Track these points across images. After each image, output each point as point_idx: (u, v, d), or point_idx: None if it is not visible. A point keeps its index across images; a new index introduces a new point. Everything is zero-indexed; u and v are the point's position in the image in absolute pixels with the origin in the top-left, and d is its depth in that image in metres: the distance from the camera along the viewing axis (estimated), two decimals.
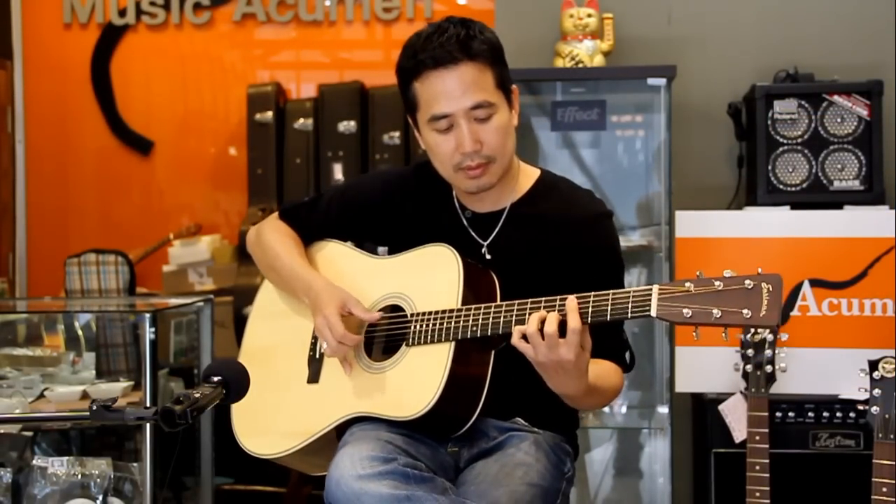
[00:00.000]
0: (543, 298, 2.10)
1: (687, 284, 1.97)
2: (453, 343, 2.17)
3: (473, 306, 2.18)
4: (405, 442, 2.19)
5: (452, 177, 2.30)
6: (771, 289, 1.92)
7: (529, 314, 2.08)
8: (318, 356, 2.38)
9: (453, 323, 2.18)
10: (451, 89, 2.21)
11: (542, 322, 2.03)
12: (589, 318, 2.04)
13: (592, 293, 2.05)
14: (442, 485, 2.12)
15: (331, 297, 2.31)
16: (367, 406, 2.25)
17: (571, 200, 2.36)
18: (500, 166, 2.28)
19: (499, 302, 2.20)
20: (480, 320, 2.16)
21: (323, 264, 2.48)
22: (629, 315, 2.01)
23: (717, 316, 1.93)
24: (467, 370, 2.18)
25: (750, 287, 1.93)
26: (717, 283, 1.95)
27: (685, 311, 1.95)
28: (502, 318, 2.13)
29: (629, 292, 2.02)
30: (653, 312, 1.98)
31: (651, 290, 2.00)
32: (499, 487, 2.14)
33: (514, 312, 2.12)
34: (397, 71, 2.31)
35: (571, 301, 2.04)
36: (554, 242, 2.30)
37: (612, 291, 2.04)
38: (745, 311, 1.92)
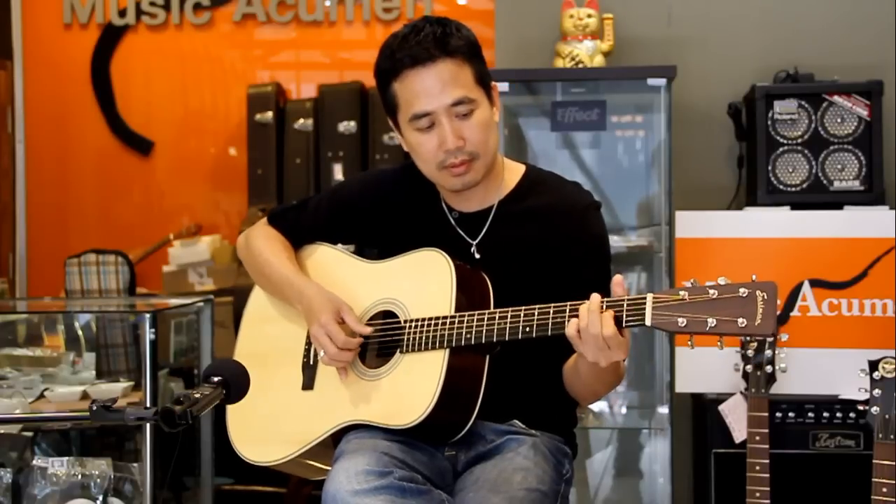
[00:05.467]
0: (537, 306, 2.09)
1: (681, 293, 1.95)
2: (447, 350, 2.16)
3: (467, 313, 2.16)
4: (401, 450, 2.17)
5: (437, 176, 2.28)
6: (766, 297, 1.91)
7: (523, 322, 2.09)
8: (311, 362, 2.37)
9: (447, 330, 2.16)
10: (430, 87, 2.20)
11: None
12: None
13: (585, 302, 2.04)
14: (438, 497, 2.11)
15: (324, 305, 2.29)
16: (363, 414, 2.24)
17: (558, 193, 2.35)
18: (483, 163, 2.26)
19: (492, 306, 2.20)
20: (475, 327, 2.14)
21: (313, 269, 2.46)
22: (623, 324, 2.00)
23: (712, 325, 1.92)
24: (462, 377, 2.17)
25: (744, 295, 1.92)
26: (711, 291, 1.94)
27: (679, 319, 1.94)
28: (496, 326, 2.13)
29: (623, 301, 2.01)
30: (647, 321, 1.97)
31: (645, 298, 1.98)
32: (497, 493, 2.12)
33: (508, 320, 2.12)
34: (375, 73, 2.29)
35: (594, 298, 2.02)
36: (543, 236, 2.29)
37: (606, 300, 2.02)
38: (739, 319, 1.91)
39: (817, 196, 3.55)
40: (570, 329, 2.03)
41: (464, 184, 2.27)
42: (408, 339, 2.22)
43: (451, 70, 2.20)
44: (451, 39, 2.21)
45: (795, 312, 3.36)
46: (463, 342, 2.15)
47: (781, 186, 3.57)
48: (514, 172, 2.39)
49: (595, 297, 2.02)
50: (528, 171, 2.40)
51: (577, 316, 2.03)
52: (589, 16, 3.76)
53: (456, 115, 2.21)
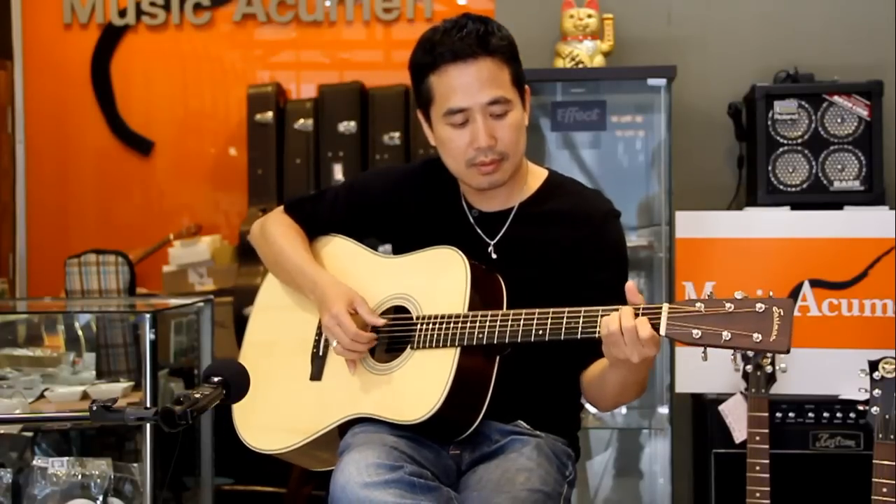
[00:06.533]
0: (551, 310, 2.10)
1: (697, 305, 1.97)
2: (458, 349, 2.17)
3: (480, 313, 2.17)
4: (409, 446, 2.18)
5: (464, 173, 2.29)
6: (782, 313, 1.92)
7: (536, 325, 2.09)
8: (321, 353, 2.37)
9: (459, 329, 2.17)
10: (468, 83, 2.21)
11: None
12: (597, 333, 2.04)
13: (601, 308, 2.05)
14: (447, 494, 2.12)
15: (338, 295, 2.29)
16: (371, 407, 2.24)
17: (579, 199, 2.36)
18: (512, 164, 2.28)
19: (505, 307, 2.20)
20: (487, 328, 2.15)
21: (328, 260, 2.46)
22: None
23: (727, 338, 1.93)
24: (471, 376, 2.17)
25: (761, 311, 1.93)
26: (727, 304, 1.95)
27: (695, 331, 1.95)
28: (508, 327, 2.13)
29: (639, 309, 2.02)
30: (662, 331, 1.98)
31: (661, 308, 1.99)
32: (500, 493, 2.13)
33: (522, 322, 2.12)
34: (411, 65, 2.30)
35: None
36: (561, 240, 2.30)
37: (621, 308, 2.03)
38: (755, 335, 1.92)
39: (817, 196, 3.55)
40: (613, 325, 2.01)
41: (490, 183, 2.28)
42: (419, 336, 2.22)
43: (490, 69, 2.22)
44: (493, 39, 2.23)
45: (796, 313, 3.35)
46: (475, 342, 2.16)
47: (781, 186, 3.57)
48: (536, 176, 2.40)
49: (628, 308, 2.02)
50: (551, 175, 2.42)
51: (592, 325, 2.04)
52: (589, 16, 3.76)
53: (490, 115, 2.23)
